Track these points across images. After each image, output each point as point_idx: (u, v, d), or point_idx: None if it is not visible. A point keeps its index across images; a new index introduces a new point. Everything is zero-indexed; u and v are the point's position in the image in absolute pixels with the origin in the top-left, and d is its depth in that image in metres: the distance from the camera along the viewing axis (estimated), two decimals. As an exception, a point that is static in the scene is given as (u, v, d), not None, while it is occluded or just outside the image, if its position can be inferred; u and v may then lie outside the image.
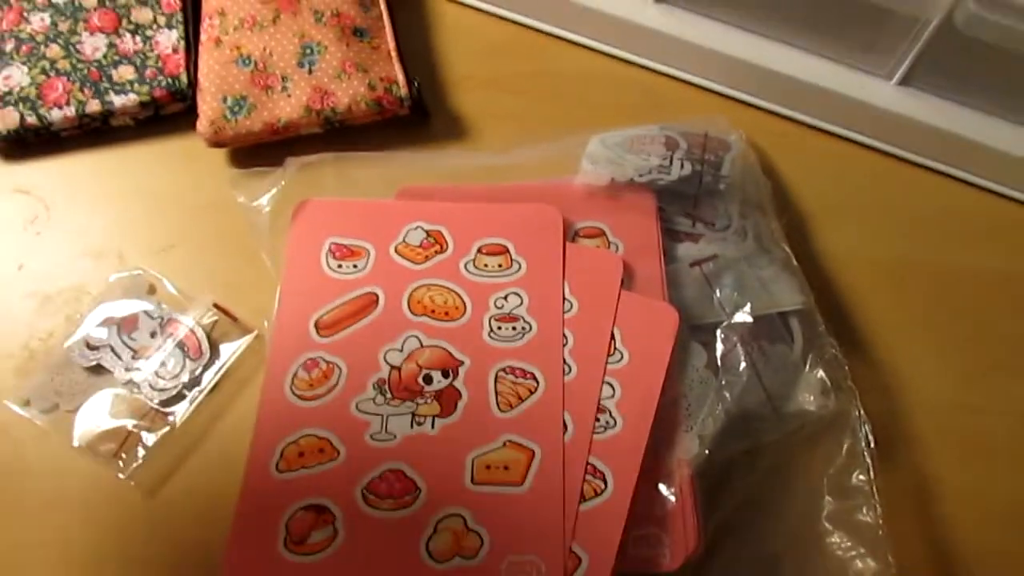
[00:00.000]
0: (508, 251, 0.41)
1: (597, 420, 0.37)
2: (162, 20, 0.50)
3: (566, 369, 0.38)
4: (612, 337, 0.39)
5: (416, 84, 0.48)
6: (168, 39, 0.50)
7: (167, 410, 0.42)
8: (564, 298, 0.40)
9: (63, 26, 0.50)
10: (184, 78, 0.49)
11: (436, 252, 0.42)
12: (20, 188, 0.48)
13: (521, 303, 0.40)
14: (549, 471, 0.36)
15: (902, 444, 0.42)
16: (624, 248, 0.42)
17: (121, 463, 0.41)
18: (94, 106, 0.48)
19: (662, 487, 0.36)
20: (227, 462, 0.40)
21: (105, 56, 0.49)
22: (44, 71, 0.48)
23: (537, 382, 0.38)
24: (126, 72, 0.49)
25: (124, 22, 0.50)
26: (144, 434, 0.41)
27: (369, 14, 0.50)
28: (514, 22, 0.54)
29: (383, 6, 0.51)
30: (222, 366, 0.43)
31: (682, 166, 0.44)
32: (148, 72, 0.49)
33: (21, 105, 0.48)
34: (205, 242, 0.47)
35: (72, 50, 0.49)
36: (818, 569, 0.37)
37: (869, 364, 0.44)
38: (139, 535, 0.40)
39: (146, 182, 0.49)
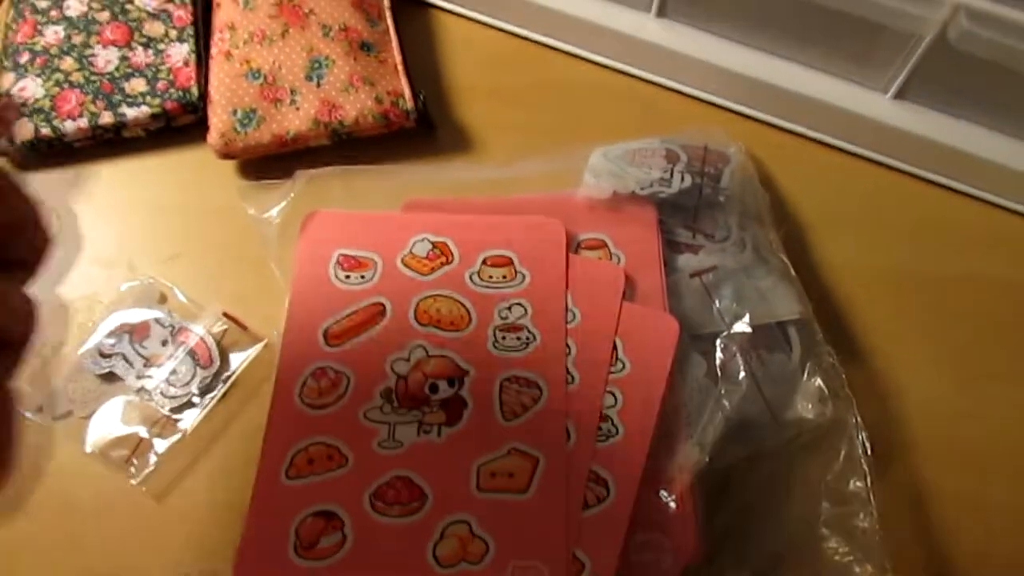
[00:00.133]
0: (512, 262, 0.42)
1: (599, 428, 0.37)
2: (174, 34, 0.51)
3: (569, 378, 0.39)
4: (614, 347, 0.39)
5: (422, 97, 0.49)
6: (179, 52, 0.51)
7: (178, 417, 0.43)
8: (567, 309, 0.41)
9: (77, 39, 0.51)
10: (195, 91, 0.49)
11: (442, 263, 0.43)
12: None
13: (525, 314, 0.41)
14: (552, 478, 0.36)
15: (899, 451, 0.43)
16: (626, 259, 0.43)
17: (133, 469, 0.42)
18: (107, 118, 0.49)
19: (663, 493, 0.37)
20: (236, 469, 0.41)
21: (118, 69, 0.50)
22: (58, 83, 0.49)
23: (541, 391, 0.38)
24: (138, 85, 0.50)
25: (136, 35, 0.51)
26: (155, 441, 0.42)
27: (376, 29, 0.51)
28: (518, 35, 0.55)
29: (390, 21, 0.52)
30: (232, 374, 0.44)
31: (682, 179, 0.45)
32: (160, 85, 0.50)
33: (35, 117, 0.49)
34: (215, 252, 0.48)
35: (85, 63, 0.50)
36: (816, 574, 0.38)
37: (866, 372, 0.45)
38: (150, 540, 0.41)
39: (157, 193, 0.50)
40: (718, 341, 0.40)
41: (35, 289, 0.25)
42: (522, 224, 0.43)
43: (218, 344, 0.44)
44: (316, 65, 0.49)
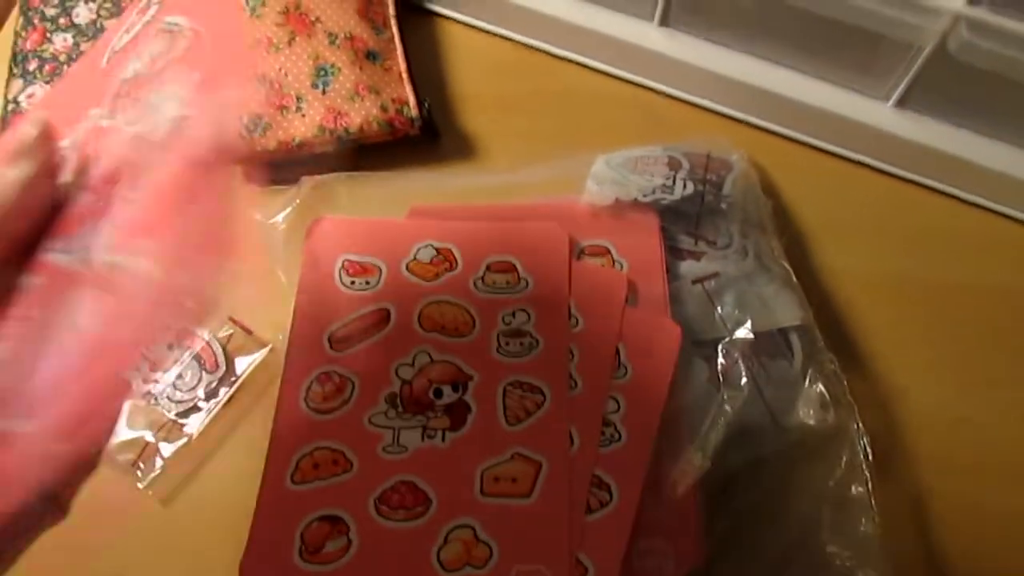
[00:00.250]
0: (516, 269, 0.43)
1: (602, 433, 0.38)
2: (180, 42, 0.52)
3: (572, 384, 0.39)
4: (617, 353, 0.40)
5: (426, 105, 0.50)
6: (186, 60, 0.51)
7: (184, 421, 0.43)
8: (570, 314, 0.41)
9: (85, 46, 0.51)
10: (201, 99, 0.50)
11: (446, 269, 0.43)
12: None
13: (528, 319, 0.41)
14: (556, 483, 0.37)
15: (900, 457, 0.43)
16: (628, 266, 0.43)
17: (139, 473, 0.42)
18: (114, 125, 0.49)
19: (666, 499, 0.37)
20: (242, 473, 0.41)
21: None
22: (65, 91, 0.50)
23: (544, 396, 0.39)
24: (145, 92, 0.50)
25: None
26: (162, 445, 0.42)
27: (381, 37, 0.52)
28: (522, 44, 0.56)
29: (395, 29, 0.52)
30: (237, 379, 0.44)
31: (684, 186, 0.45)
32: (166, 92, 0.50)
33: (43, 124, 0.49)
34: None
35: (93, 71, 0.51)
36: (818, 579, 0.38)
37: (867, 379, 0.45)
38: (156, 543, 0.41)
39: (164, 199, 0.50)
40: (720, 347, 0.40)
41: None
42: (526, 231, 0.44)
43: (224, 349, 0.45)
44: (322, 73, 0.49)
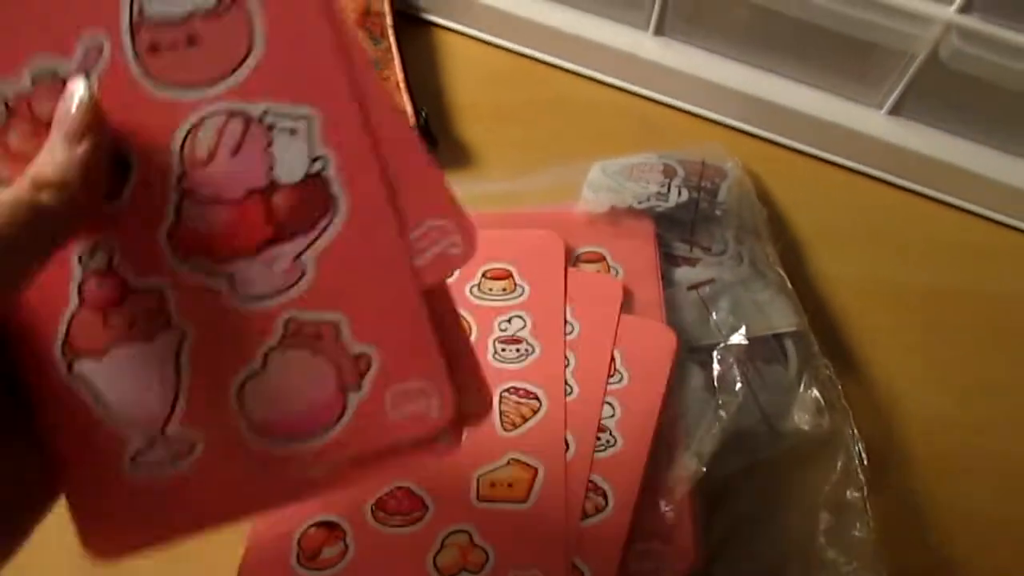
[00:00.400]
0: (512, 276, 0.43)
1: (598, 439, 0.38)
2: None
3: (568, 390, 0.39)
4: (612, 359, 0.40)
5: (424, 114, 0.50)
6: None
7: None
8: (566, 321, 0.41)
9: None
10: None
11: (443, 276, 0.43)
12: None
13: (524, 326, 0.41)
14: (552, 488, 0.37)
15: (895, 462, 0.43)
16: (624, 273, 0.43)
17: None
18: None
19: (662, 503, 0.37)
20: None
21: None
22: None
23: (540, 402, 0.39)
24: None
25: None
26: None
27: (379, 47, 0.52)
28: (518, 53, 0.56)
29: (392, 39, 0.53)
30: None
31: (679, 193, 0.45)
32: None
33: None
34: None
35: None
36: (815, 584, 0.38)
37: (862, 384, 0.45)
38: (155, 552, 0.41)
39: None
40: (715, 353, 0.41)
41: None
42: (522, 238, 0.44)
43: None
44: (319, 83, 0.50)
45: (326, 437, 0.23)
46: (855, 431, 0.40)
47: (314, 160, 0.23)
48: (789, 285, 0.45)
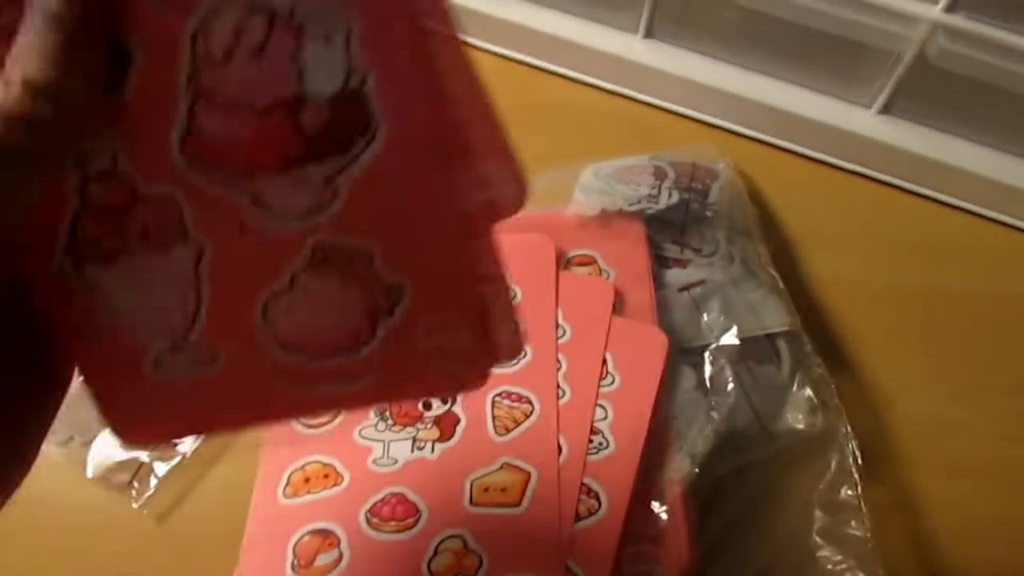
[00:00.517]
0: (503, 280, 0.43)
1: (590, 442, 0.38)
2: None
3: (560, 393, 0.39)
4: (604, 361, 0.40)
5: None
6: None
7: (178, 440, 0.43)
8: (557, 324, 0.41)
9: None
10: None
11: (435, 282, 0.43)
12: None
13: (516, 330, 0.41)
14: (545, 492, 0.37)
15: (889, 460, 0.43)
16: (615, 275, 0.43)
17: (134, 493, 0.42)
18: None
19: (655, 505, 0.37)
20: (235, 488, 0.41)
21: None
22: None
23: (532, 406, 0.39)
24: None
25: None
26: (156, 464, 0.43)
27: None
28: (507, 57, 0.56)
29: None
30: (230, 396, 0.44)
31: (670, 195, 0.46)
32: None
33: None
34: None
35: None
36: (810, 583, 0.38)
37: (855, 383, 0.45)
38: (152, 560, 0.41)
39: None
40: (707, 354, 0.41)
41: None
42: (512, 242, 0.44)
43: (216, 366, 0.45)
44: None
45: (353, 357, 0.22)
46: (848, 430, 0.40)
47: (352, 74, 0.19)
48: (781, 285, 0.45)
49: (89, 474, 0.42)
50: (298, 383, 0.23)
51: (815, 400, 0.41)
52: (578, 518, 0.36)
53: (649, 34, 0.54)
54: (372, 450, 0.39)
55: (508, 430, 0.39)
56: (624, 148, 0.50)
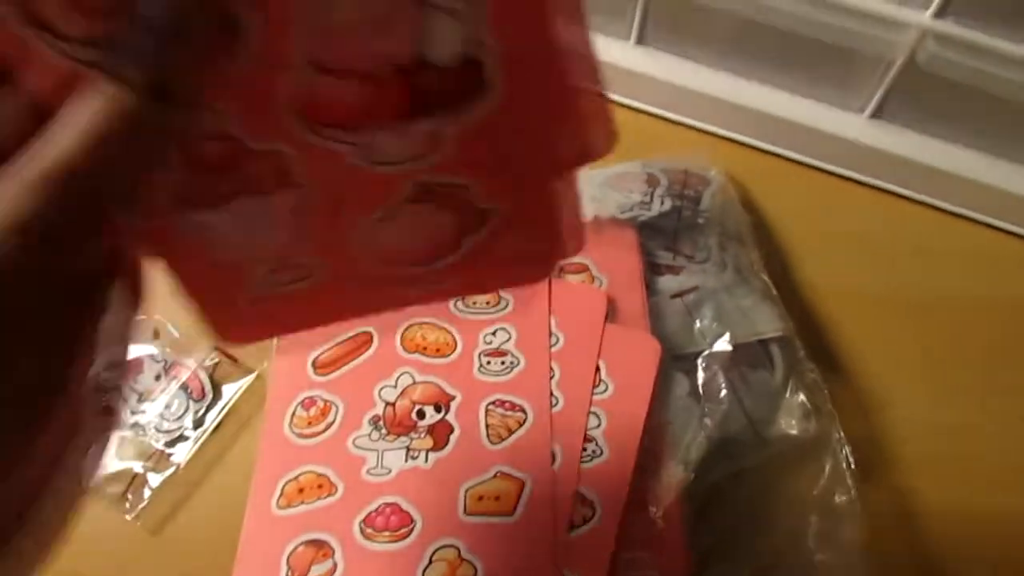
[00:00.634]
0: (496, 288, 0.43)
1: (584, 449, 0.38)
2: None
3: (553, 401, 0.39)
4: (597, 369, 0.40)
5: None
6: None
7: (171, 451, 0.43)
8: (550, 332, 0.41)
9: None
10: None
11: (427, 291, 0.43)
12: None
13: (509, 338, 0.41)
14: (539, 500, 0.37)
15: (882, 464, 0.43)
16: (608, 282, 0.44)
17: (128, 504, 0.42)
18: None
19: (649, 512, 0.37)
20: (229, 499, 0.41)
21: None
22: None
23: (526, 414, 0.39)
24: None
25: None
26: (150, 475, 0.43)
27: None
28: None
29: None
30: (224, 407, 0.44)
31: (662, 202, 0.46)
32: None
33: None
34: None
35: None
36: (805, 588, 0.38)
37: (848, 388, 0.45)
38: (146, 572, 0.41)
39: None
40: (700, 360, 0.41)
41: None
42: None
43: (211, 377, 0.45)
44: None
45: (440, 264, 0.24)
46: (842, 435, 0.40)
47: (472, 43, 0.19)
48: (774, 290, 0.45)
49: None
50: (389, 286, 0.26)
51: (808, 405, 0.41)
52: (572, 526, 0.36)
53: (641, 41, 0.54)
54: (366, 460, 0.39)
55: (502, 438, 0.39)
56: (616, 153, 0.50)
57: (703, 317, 0.42)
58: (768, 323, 0.43)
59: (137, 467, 0.43)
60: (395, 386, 0.40)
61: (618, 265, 0.44)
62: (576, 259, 0.45)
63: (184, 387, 0.44)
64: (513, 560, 0.36)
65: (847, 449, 0.40)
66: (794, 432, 0.40)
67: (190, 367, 0.45)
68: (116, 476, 0.43)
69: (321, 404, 0.40)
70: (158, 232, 0.22)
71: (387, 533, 0.37)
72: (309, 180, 0.22)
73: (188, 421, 0.44)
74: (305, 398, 0.41)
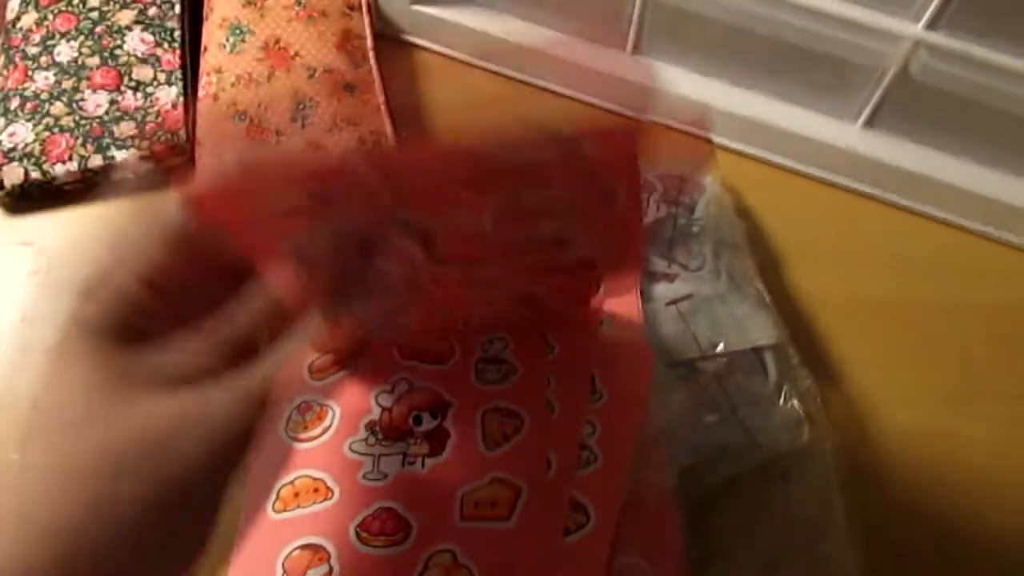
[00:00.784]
0: (493, 295, 0.43)
1: (579, 456, 0.38)
2: (162, 77, 0.53)
3: (549, 408, 0.39)
4: (592, 377, 0.40)
5: (405, 137, 0.51)
6: (168, 95, 0.52)
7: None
8: (547, 342, 0.41)
9: (67, 84, 0.52)
10: (183, 133, 0.51)
11: (425, 297, 0.43)
12: (24, 241, 0.50)
13: (506, 347, 0.41)
14: (534, 506, 0.37)
15: (875, 470, 0.44)
16: (603, 290, 0.44)
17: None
18: (96, 161, 0.50)
19: (643, 518, 0.38)
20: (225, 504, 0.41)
21: (107, 112, 0.51)
22: (48, 128, 0.51)
23: (522, 421, 0.39)
24: (127, 128, 0.51)
25: (126, 79, 0.53)
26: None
27: (359, 70, 0.53)
28: (500, 75, 0.57)
29: (373, 62, 0.53)
30: (220, 410, 0.44)
31: (658, 209, 0.46)
32: (148, 127, 0.51)
33: (25, 161, 0.50)
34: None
35: (75, 107, 0.51)
36: (798, 596, 0.38)
37: (842, 396, 0.46)
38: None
39: (146, 233, 0.51)
40: (694, 368, 0.41)
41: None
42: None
43: (206, 380, 0.45)
44: (301, 107, 0.50)
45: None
46: (835, 441, 0.41)
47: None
48: (768, 298, 0.45)
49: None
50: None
51: (801, 413, 0.41)
52: (567, 532, 0.37)
53: (637, 49, 0.54)
54: (362, 464, 0.39)
55: (498, 445, 0.39)
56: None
57: (698, 324, 0.42)
58: (762, 331, 0.43)
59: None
60: (392, 392, 0.40)
61: (614, 272, 0.44)
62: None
63: (180, 390, 0.44)
64: (508, 565, 0.36)
65: (840, 455, 0.40)
66: (788, 438, 0.40)
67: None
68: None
69: (317, 408, 0.40)
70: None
71: (383, 538, 0.37)
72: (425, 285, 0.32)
73: (184, 424, 0.44)
74: (301, 403, 0.41)
